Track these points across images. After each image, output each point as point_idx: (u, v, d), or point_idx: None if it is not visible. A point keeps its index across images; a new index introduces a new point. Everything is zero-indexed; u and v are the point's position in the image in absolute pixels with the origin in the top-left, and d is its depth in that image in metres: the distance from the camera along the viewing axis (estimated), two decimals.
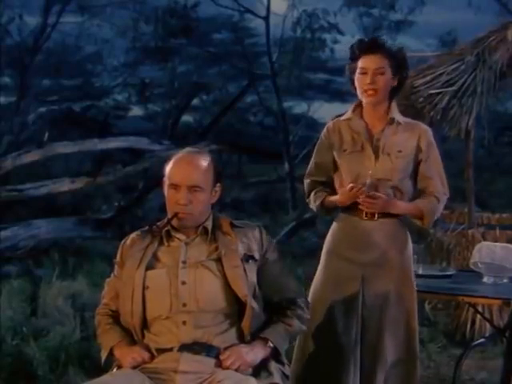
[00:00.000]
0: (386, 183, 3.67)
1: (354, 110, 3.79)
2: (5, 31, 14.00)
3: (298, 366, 3.76)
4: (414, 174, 3.76)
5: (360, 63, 3.68)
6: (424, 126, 3.83)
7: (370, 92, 3.67)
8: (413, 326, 3.72)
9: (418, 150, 3.74)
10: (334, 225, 3.82)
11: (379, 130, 3.72)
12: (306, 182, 3.87)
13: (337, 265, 3.74)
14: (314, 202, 3.82)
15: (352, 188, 3.63)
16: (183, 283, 3.02)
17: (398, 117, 3.74)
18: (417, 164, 3.75)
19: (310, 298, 3.71)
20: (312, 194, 3.83)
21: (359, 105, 3.78)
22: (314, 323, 3.66)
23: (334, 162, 3.79)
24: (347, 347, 3.68)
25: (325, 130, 3.84)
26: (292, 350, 3.75)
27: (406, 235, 3.77)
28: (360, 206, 3.66)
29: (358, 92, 3.72)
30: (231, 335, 3.03)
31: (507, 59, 6.36)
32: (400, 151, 3.70)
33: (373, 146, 3.70)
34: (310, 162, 3.88)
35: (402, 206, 3.70)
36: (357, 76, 3.69)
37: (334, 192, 3.79)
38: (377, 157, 3.69)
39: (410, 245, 3.79)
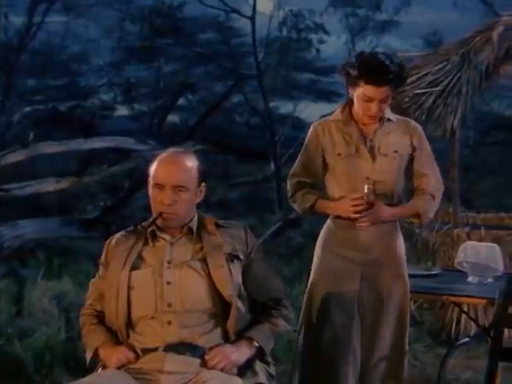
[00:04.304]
0: (382, 185, 3.66)
1: (342, 111, 3.75)
2: None
3: (304, 359, 3.77)
4: (406, 171, 3.77)
5: (365, 90, 3.58)
6: (415, 123, 3.84)
7: (374, 118, 3.66)
8: (405, 324, 3.75)
9: (412, 148, 3.75)
10: (330, 224, 3.79)
11: (371, 130, 3.70)
12: (292, 182, 3.81)
13: (335, 264, 3.72)
14: (301, 203, 3.76)
15: (352, 205, 3.61)
16: (168, 283, 3.01)
17: (389, 114, 3.74)
18: (410, 161, 3.76)
19: (307, 296, 3.74)
20: (299, 194, 3.78)
21: (347, 104, 3.75)
22: (313, 321, 3.69)
23: (324, 165, 3.76)
24: (346, 345, 3.68)
25: (312, 131, 3.78)
26: (278, 350, 3.76)
27: (399, 234, 3.79)
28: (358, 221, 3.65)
29: (358, 111, 3.67)
30: (216, 335, 3.03)
31: (492, 59, 6.39)
32: (396, 151, 3.70)
33: (367, 148, 3.68)
34: (296, 163, 3.83)
35: (399, 213, 3.73)
36: (359, 99, 3.63)
37: (321, 193, 3.77)
38: (374, 158, 3.67)
39: (403, 244, 3.81)
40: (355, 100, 3.67)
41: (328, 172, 3.76)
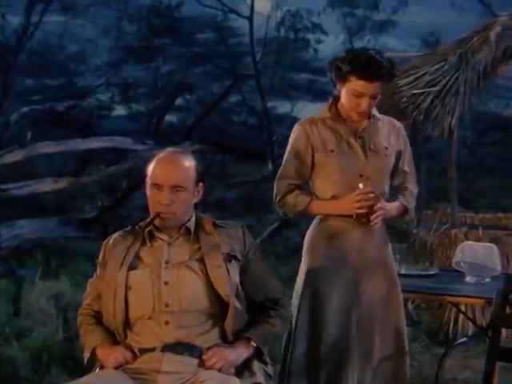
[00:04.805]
0: (374, 183, 3.62)
1: (330, 108, 3.69)
2: None
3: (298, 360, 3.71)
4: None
5: (356, 85, 3.53)
6: (399, 123, 3.81)
7: (363, 115, 3.62)
8: (401, 325, 3.71)
9: (399, 146, 3.73)
10: (320, 226, 3.71)
11: (360, 127, 3.65)
12: (282, 184, 3.69)
13: (329, 266, 3.65)
14: (294, 206, 3.65)
15: (357, 200, 3.53)
16: (166, 283, 3.01)
17: (376, 112, 3.71)
18: (396, 160, 3.73)
19: (301, 301, 3.67)
20: (290, 196, 3.66)
21: (334, 101, 3.70)
22: (311, 325, 3.64)
23: (311, 164, 3.68)
24: (345, 348, 3.63)
25: (300, 130, 3.69)
26: (276, 350, 3.74)
27: (387, 235, 3.76)
28: (363, 219, 3.58)
29: (347, 107, 3.62)
30: (214, 335, 3.03)
31: (490, 60, 6.39)
32: (386, 148, 3.68)
33: (359, 144, 3.63)
34: (285, 164, 3.72)
35: (396, 209, 3.69)
36: (349, 95, 3.57)
37: (312, 194, 3.71)
38: (366, 155, 3.63)
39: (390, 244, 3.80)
40: (344, 96, 3.62)
41: (316, 171, 3.68)
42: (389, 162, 3.69)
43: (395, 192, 3.74)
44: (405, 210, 3.73)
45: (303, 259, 3.76)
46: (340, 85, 3.62)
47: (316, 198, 3.70)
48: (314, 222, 3.75)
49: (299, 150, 3.69)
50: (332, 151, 3.64)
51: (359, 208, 3.55)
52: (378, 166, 3.65)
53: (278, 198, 3.71)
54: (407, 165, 3.78)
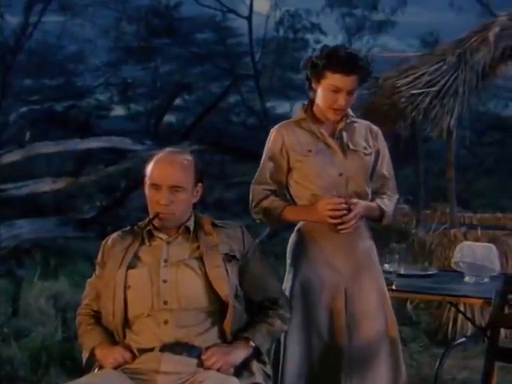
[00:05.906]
0: (355, 182, 3.57)
1: (305, 111, 3.65)
2: None
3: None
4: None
5: (333, 80, 3.48)
6: (376, 127, 3.75)
7: (339, 112, 3.56)
8: (393, 328, 3.69)
9: (377, 150, 3.67)
10: (304, 231, 3.65)
11: (337, 128, 3.60)
12: (258, 189, 3.63)
13: (318, 274, 3.59)
14: (268, 213, 3.59)
15: (329, 209, 3.45)
16: (165, 281, 3.01)
17: (351, 113, 3.67)
18: (374, 163, 3.68)
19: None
20: (266, 202, 3.59)
21: (310, 104, 3.66)
22: (304, 334, 3.58)
23: (288, 168, 3.62)
24: (335, 353, 3.61)
25: (275, 134, 3.65)
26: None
27: (371, 237, 3.70)
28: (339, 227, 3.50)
29: (322, 105, 3.57)
30: (213, 335, 3.04)
31: (489, 60, 6.40)
32: (365, 148, 3.63)
33: (337, 143, 3.58)
34: (261, 169, 3.65)
35: (368, 207, 3.58)
36: (325, 92, 3.52)
37: (288, 200, 3.65)
38: (345, 154, 3.58)
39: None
40: (320, 95, 3.56)
41: (293, 174, 3.63)
42: (368, 162, 3.63)
43: (373, 197, 3.66)
44: (381, 214, 3.63)
45: (288, 267, 3.70)
46: (316, 84, 3.57)
47: (293, 203, 3.64)
48: (297, 226, 3.70)
49: (274, 154, 3.63)
50: (310, 151, 3.58)
51: (331, 217, 3.47)
52: (358, 165, 3.59)
53: (253, 204, 3.64)
54: (386, 169, 3.71)
